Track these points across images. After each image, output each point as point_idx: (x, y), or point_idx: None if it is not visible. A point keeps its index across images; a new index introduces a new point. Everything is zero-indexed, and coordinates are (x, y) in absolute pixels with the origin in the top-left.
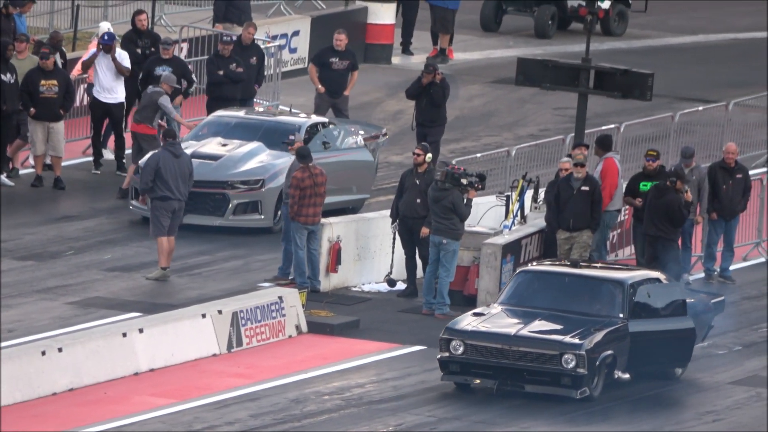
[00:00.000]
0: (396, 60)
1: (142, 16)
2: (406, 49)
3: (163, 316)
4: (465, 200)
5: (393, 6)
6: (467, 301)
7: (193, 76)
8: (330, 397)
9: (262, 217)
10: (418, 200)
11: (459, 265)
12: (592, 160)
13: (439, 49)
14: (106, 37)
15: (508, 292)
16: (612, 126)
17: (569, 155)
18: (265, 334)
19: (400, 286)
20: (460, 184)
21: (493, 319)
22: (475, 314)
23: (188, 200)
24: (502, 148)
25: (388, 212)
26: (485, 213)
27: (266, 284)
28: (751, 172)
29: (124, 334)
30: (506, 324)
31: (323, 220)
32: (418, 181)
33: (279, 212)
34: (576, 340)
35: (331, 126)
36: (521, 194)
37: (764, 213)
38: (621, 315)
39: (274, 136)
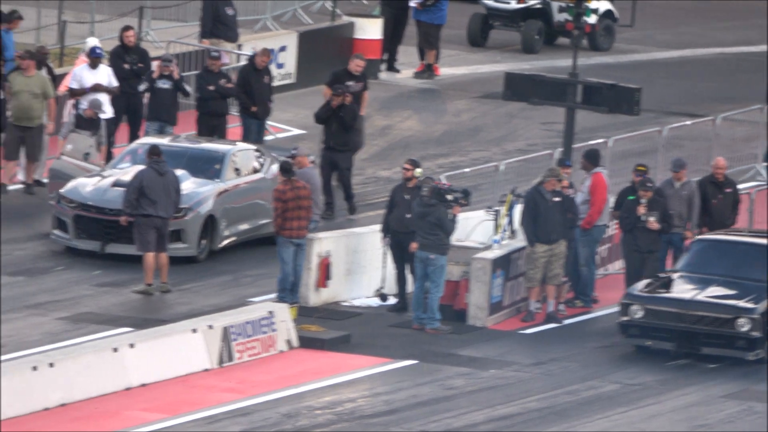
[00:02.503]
0: (383, 75)
1: (130, 33)
2: (391, 66)
3: (153, 331)
4: (450, 216)
5: (380, 21)
6: (457, 316)
7: (188, 88)
8: (322, 412)
9: (186, 245)
10: (408, 215)
11: (449, 280)
12: (578, 174)
13: (425, 65)
14: (93, 51)
15: (686, 259)
16: (600, 140)
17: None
18: (256, 349)
19: (391, 300)
20: (445, 200)
21: (671, 285)
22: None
23: (111, 229)
24: (490, 163)
25: (377, 227)
26: (474, 228)
27: (256, 299)
28: (739, 186)
29: (115, 349)
30: (684, 290)
31: (312, 235)
32: (407, 196)
33: (203, 241)
34: (750, 305)
35: (256, 153)
36: (510, 209)
37: (753, 226)
38: None
39: (198, 164)
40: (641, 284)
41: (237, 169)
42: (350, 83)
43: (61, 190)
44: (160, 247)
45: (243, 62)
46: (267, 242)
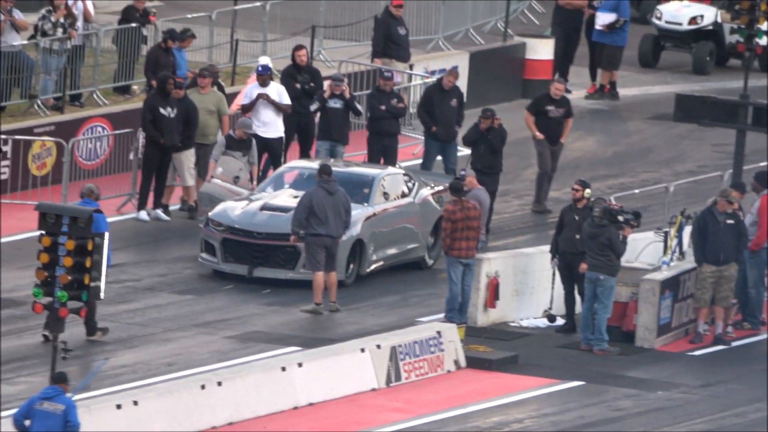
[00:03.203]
0: None
1: (302, 52)
2: None
3: (322, 350)
4: (621, 237)
5: (551, 42)
6: (625, 337)
7: (359, 108)
8: None
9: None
10: (577, 236)
11: (617, 301)
12: (748, 196)
13: (598, 86)
14: (260, 68)
15: None
16: None
17: None
18: (423, 369)
19: (559, 321)
20: (616, 221)
21: None
22: None
23: (258, 253)
24: (660, 184)
25: (546, 247)
26: (644, 249)
27: (424, 319)
28: None
29: (284, 368)
30: None
31: (481, 256)
32: (577, 217)
33: (351, 265)
34: None
35: (405, 177)
36: (679, 230)
37: None
38: None
39: (347, 188)
40: None
41: (386, 194)
42: (550, 108)
43: (210, 213)
44: (329, 266)
45: (415, 82)
46: (415, 267)
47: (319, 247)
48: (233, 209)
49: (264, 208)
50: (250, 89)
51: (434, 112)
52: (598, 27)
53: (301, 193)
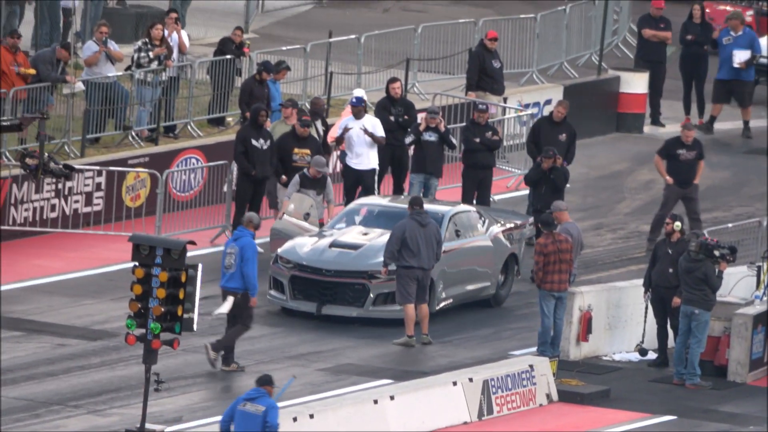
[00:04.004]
0: (647, 129)
1: (396, 84)
2: (656, 120)
3: (414, 383)
4: (717, 272)
5: (646, 75)
6: (717, 371)
7: (454, 140)
8: None
9: (401, 307)
10: (671, 269)
11: (710, 335)
12: None
13: (709, 117)
14: (354, 100)
15: None
16: None
17: None
18: (515, 403)
19: (651, 355)
20: (712, 255)
21: None
22: None
23: (327, 291)
24: (753, 219)
25: (639, 281)
26: (736, 283)
27: (517, 352)
28: None
29: (375, 401)
30: None
31: (574, 289)
32: (670, 251)
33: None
34: None
35: (474, 214)
36: None
37: None
38: None
39: None
40: None
41: (457, 231)
42: (681, 152)
43: (279, 250)
44: (420, 298)
45: (509, 115)
46: (484, 305)
47: (411, 279)
48: (302, 246)
49: (333, 245)
50: (344, 121)
51: (542, 146)
52: (736, 64)
53: (371, 230)
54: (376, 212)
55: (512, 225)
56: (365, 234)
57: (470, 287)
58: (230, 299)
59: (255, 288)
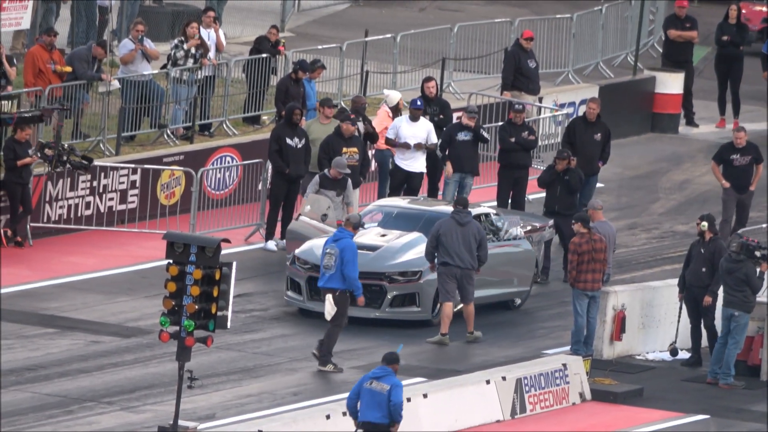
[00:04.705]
0: (682, 129)
1: (431, 83)
2: (690, 121)
3: (447, 381)
4: (758, 272)
5: (681, 76)
6: (751, 371)
7: (486, 134)
8: None
9: (419, 309)
10: (704, 269)
11: None
12: None
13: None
14: (418, 103)
15: None
16: None
17: None
18: (548, 401)
19: (684, 354)
20: (754, 256)
21: None
22: None
23: None
24: None
25: (672, 281)
26: None
27: (550, 351)
28: None
29: (409, 399)
30: None
31: (608, 288)
32: (703, 251)
33: (437, 304)
34: None
35: (494, 217)
36: None
37: None
38: None
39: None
40: None
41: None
42: (735, 157)
43: (296, 251)
44: (463, 297)
45: (544, 115)
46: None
47: (449, 276)
48: (320, 247)
49: None
50: (398, 122)
51: (576, 145)
52: None
53: (389, 232)
54: (394, 214)
55: (530, 228)
56: (383, 235)
57: (494, 290)
58: (329, 297)
59: (359, 288)
